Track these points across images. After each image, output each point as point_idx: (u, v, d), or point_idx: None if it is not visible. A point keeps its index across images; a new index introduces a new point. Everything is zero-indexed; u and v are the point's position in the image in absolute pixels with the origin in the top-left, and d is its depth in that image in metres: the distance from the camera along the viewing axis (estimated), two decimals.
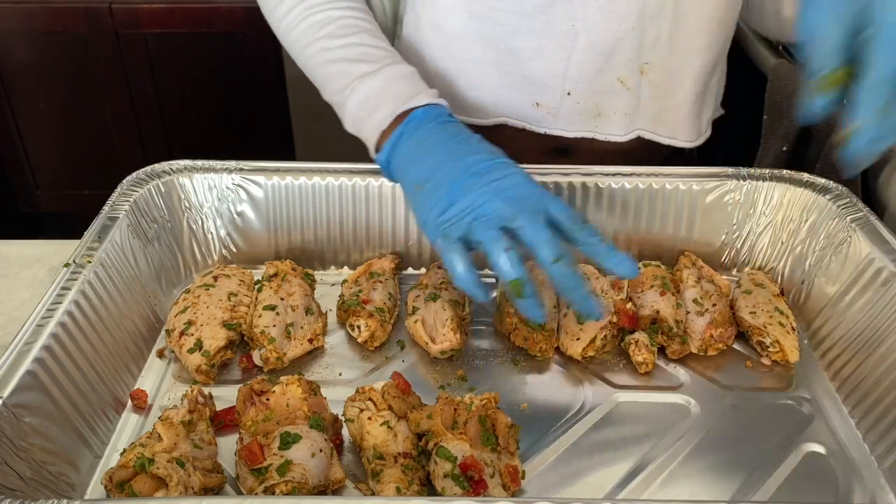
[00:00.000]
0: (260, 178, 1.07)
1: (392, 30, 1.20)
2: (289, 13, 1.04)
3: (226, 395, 0.88)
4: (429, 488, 0.77)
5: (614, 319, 0.95)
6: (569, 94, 1.08)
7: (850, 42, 0.67)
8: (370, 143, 0.98)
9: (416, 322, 0.95)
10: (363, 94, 0.97)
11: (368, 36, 1.02)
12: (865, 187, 1.29)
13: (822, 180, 1.05)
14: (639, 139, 1.13)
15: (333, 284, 1.08)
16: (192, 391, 0.83)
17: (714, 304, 0.98)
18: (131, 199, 1.00)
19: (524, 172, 0.88)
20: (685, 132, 1.15)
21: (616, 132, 1.12)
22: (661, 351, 0.96)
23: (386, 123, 0.95)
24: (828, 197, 1.03)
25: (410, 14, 1.13)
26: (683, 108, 1.12)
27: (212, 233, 1.09)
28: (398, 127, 0.94)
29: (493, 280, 1.09)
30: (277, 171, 1.07)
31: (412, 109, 0.94)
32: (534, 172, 1.05)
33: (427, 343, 0.94)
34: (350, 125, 1.00)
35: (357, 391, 0.84)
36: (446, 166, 0.87)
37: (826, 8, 0.67)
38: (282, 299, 0.97)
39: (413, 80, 0.99)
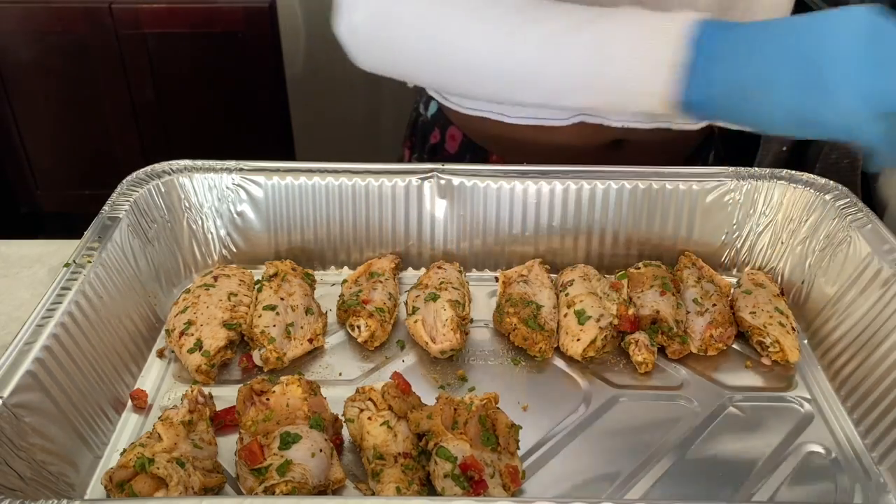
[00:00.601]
0: (260, 178, 1.07)
1: None
2: None
3: (226, 395, 0.88)
4: (429, 488, 0.77)
5: (616, 322, 0.95)
6: None
7: None
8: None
9: (416, 322, 0.95)
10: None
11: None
12: (865, 187, 1.29)
13: (822, 180, 1.05)
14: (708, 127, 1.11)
15: (333, 284, 1.08)
16: (192, 391, 0.83)
17: (714, 304, 0.98)
18: (131, 199, 1.00)
19: None
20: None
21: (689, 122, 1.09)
22: (661, 351, 0.96)
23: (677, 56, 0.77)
24: (828, 197, 1.03)
25: None
26: None
27: (212, 233, 1.09)
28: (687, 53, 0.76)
29: (495, 278, 1.09)
30: (277, 171, 1.07)
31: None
32: (532, 172, 1.06)
33: (427, 343, 0.94)
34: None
35: (357, 391, 0.84)
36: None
37: None
38: (282, 299, 0.97)
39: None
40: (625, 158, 1.10)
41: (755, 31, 0.75)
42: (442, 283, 1.01)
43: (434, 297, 0.98)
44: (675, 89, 0.77)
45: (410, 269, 1.11)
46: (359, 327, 0.96)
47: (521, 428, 0.81)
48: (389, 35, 0.92)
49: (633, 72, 0.78)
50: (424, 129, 1.26)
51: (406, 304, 1.01)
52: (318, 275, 1.08)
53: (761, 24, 0.76)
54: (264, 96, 2.62)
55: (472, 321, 1.01)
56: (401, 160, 1.33)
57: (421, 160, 1.27)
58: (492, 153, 1.20)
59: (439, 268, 1.05)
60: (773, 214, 1.07)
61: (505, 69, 0.86)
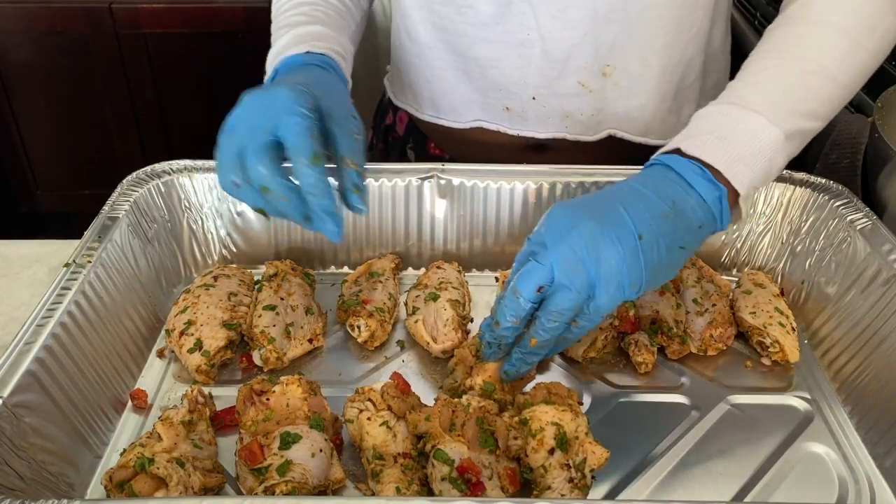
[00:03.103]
0: None
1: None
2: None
3: (226, 395, 0.88)
4: (428, 488, 0.77)
5: (616, 323, 0.95)
6: (534, 98, 1.10)
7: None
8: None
9: (416, 322, 0.95)
10: (271, 54, 1.00)
11: (310, 7, 1.05)
12: (865, 187, 1.29)
13: (822, 180, 1.05)
14: (611, 138, 1.14)
15: (333, 284, 1.08)
16: (192, 391, 0.83)
17: (714, 304, 0.98)
18: (131, 199, 1.00)
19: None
20: (658, 131, 1.15)
21: (585, 133, 1.14)
22: (661, 351, 0.96)
23: (269, 70, 0.99)
24: (828, 197, 1.03)
25: (393, 24, 1.19)
26: (651, 108, 1.13)
27: (212, 233, 1.09)
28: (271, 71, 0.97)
29: (495, 278, 1.09)
30: None
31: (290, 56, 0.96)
32: (533, 172, 1.06)
33: (429, 343, 0.94)
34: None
35: (356, 392, 0.84)
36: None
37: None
38: (282, 299, 0.97)
39: (309, 35, 0.99)
40: (550, 161, 1.13)
41: None
42: (441, 282, 1.01)
43: (434, 297, 0.98)
44: None
45: (410, 269, 1.11)
46: (359, 327, 0.96)
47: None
48: None
49: None
50: (383, 111, 1.34)
51: (406, 304, 1.01)
52: (318, 275, 1.08)
53: None
54: None
55: (472, 321, 1.01)
56: (370, 141, 1.40)
57: (378, 139, 1.36)
58: (431, 140, 1.26)
59: (438, 268, 1.05)
60: (773, 214, 1.07)
61: None
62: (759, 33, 1.09)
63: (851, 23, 0.87)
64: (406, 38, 1.15)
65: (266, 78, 0.99)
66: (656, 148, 1.08)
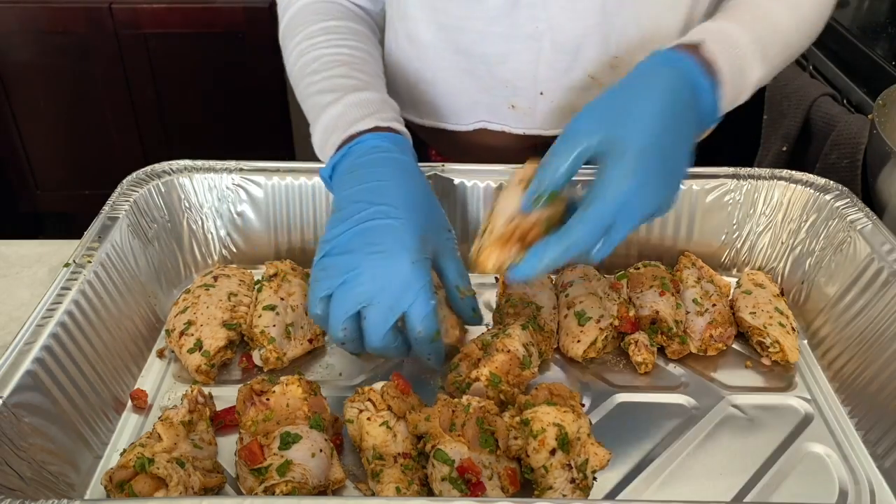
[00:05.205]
0: (260, 178, 1.07)
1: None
2: (295, 48, 1.06)
3: (226, 395, 0.88)
4: (428, 488, 0.77)
5: (616, 323, 0.95)
6: (541, 94, 1.09)
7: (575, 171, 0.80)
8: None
9: None
10: (324, 122, 0.96)
11: (347, 68, 1.01)
12: (865, 187, 1.29)
13: (822, 180, 1.05)
14: None
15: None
16: (192, 391, 0.83)
17: (714, 305, 0.98)
18: (131, 199, 1.00)
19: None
20: None
21: None
22: (661, 351, 0.96)
23: (333, 148, 0.93)
24: (828, 197, 1.03)
25: (390, 30, 1.17)
26: None
27: (212, 233, 1.09)
28: (343, 148, 0.92)
29: (495, 278, 1.09)
30: (277, 171, 1.07)
31: (359, 133, 0.92)
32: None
33: None
34: (318, 152, 0.98)
35: (356, 392, 0.84)
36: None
37: (579, 135, 0.80)
38: (282, 299, 0.97)
39: (368, 104, 0.96)
40: None
41: None
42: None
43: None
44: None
45: None
46: None
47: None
48: None
49: None
50: None
51: None
52: None
53: None
54: (264, 96, 2.61)
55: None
56: None
57: None
58: (431, 147, 1.25)
59: None
60: (773, 214, 1.07)
61: None
62: None
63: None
64: (406, 42, 1.14)
65: (329, 156, 0.93)
66: None
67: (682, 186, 0.83)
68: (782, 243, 1.08)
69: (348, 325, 0.82)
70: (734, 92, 0.91)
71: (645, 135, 0.79)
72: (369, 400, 0.82)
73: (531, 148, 1.15)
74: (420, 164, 1.10)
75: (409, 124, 1.23)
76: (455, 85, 1.13)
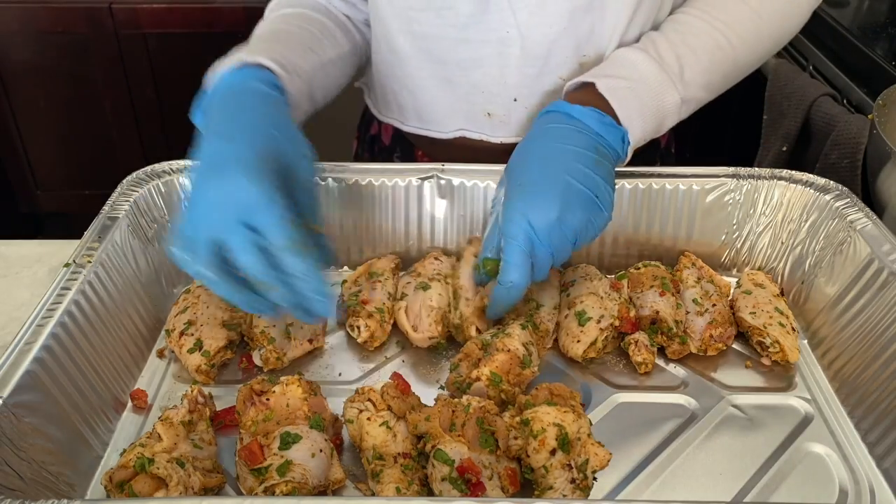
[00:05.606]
0: None
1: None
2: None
3: (226, 395, 0.88)
4: (428, 489, 0.77)
5: (616, 323, 0.95)
6: (515, 100, 1.09)
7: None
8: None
9: (400, 309, 0.96)
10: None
11: (273, 41, 1.06)
12: (865, 187, 1.29)
13: (822, 180, 1.05)
14: None
15: (333, 284, 1.08)
16: (192, 391, 0.83)
17: (714, 305, 0.98)
18: (131, 199, 1.00)
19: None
20: None
21: None
22: (661, 351, 0.96)
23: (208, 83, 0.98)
24: (828, 197, 1.03)
25: (374, 39, 1.18)
26: None
27: None
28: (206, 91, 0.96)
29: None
30: None
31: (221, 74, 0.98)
32: None
33: (408, 331, 0.95)
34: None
35: (356, 392, 0.84)
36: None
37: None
38: None
39: (243, 50, 1.00)
40: None
41: None
42: (436, 273, 1.01)
43: (424, 287, 0.98)
44: None
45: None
46: (358, 328, 0.96)
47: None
48: None
49: None
50: (368, 121, 1.33)
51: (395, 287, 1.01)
52: None
53: None
54: None
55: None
56: (354, 151, 1.39)
57: (363, 150, 1.35)
58: (418, 148, 1.25)
59: (436, 258, 1.05)
60: (773, 214, 1.07)
61: None
62: None
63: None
64: (387, 51, 1.14)
65: (204, 89, 0.99)
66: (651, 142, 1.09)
67: (604, 207, 0.90)
68: (782, 243, 1.08)
69: (204, 252, 0.77)
70: (650, 120, 0.96)
71: (528, 170, 0.89)
72: (369, 400, 0.82)
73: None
74: (421, 164, 1.11)
75: (397, 129, 1.22)
76: (434, 93, 1.13)
